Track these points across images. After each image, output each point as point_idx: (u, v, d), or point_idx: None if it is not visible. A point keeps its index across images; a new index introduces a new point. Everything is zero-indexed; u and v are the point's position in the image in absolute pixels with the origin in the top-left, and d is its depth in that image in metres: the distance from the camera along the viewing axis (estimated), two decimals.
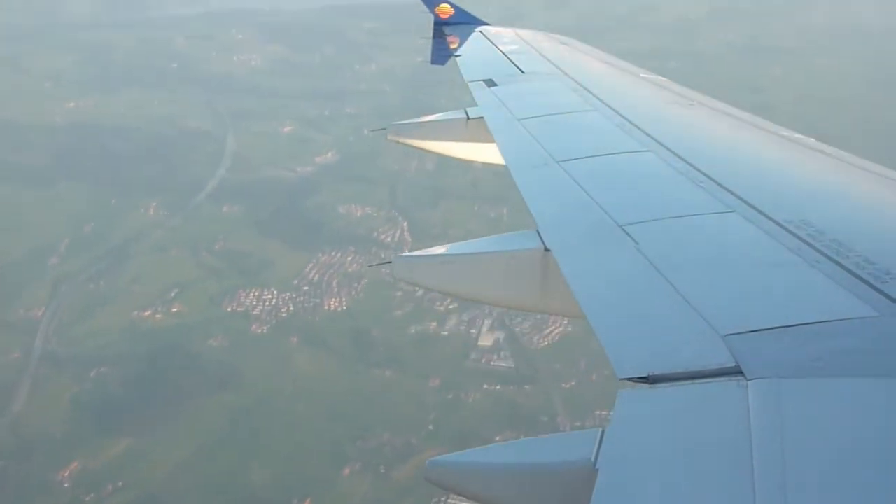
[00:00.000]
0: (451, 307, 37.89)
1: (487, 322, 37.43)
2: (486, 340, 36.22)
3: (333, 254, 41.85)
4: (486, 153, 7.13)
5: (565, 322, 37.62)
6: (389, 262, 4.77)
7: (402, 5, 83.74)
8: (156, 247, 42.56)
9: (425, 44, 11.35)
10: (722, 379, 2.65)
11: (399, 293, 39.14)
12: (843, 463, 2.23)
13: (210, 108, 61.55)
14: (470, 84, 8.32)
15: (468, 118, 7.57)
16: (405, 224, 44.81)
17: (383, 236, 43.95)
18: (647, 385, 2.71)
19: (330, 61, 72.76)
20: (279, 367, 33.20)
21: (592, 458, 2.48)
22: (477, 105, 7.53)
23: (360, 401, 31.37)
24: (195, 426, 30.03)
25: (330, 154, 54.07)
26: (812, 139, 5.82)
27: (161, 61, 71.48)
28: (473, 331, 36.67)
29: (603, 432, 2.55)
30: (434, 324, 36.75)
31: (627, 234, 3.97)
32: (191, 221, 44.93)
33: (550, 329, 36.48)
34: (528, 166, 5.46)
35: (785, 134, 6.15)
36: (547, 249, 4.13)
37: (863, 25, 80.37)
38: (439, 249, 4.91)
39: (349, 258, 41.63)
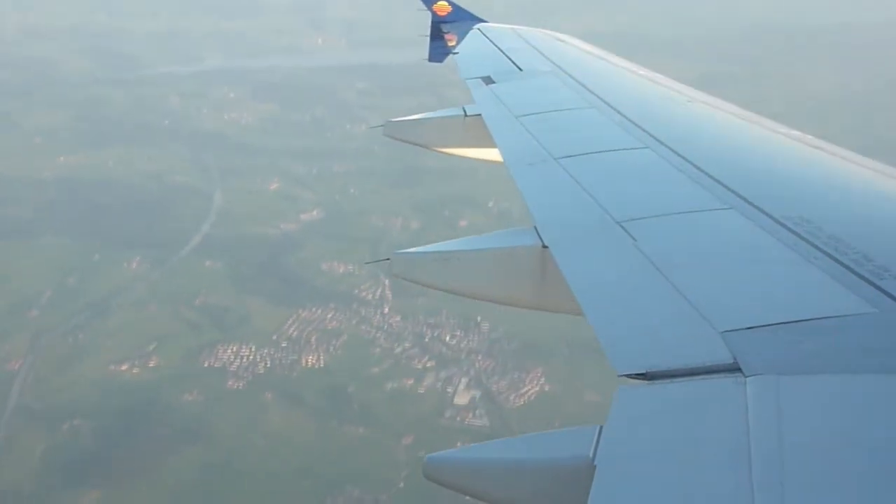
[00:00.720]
0: (428, 365, 38.58)
1: (464, 380, 38.01)
2: (462, 398, 36.69)
3: (314, 310, 42.64)
4: (483, 150, 7.23)
5: (542, 381, 38.41)
6: (387, 260, 4.80)
7: (394, 66, 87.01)
8: (136, 301, 43.32)
9: (424, 41, 11.65)
10: (720, 375, 2.70)
11: (377, 350, 39.82)
12: (840, 459, 2.26)
13: (199, 164, 63.05)
14: (467, 81, 8.45)
15: (466, 115, 7.68)
16: (387, 282, 45.68)
17: (364, 293, 44.79)
18: (645, 382, 2.77)
19: (320, 120, 74.70)
20: (252, 423, 33.62)
21: (591, 455, 2.52)
22: (474, 102, 7.69)
23: (332, 457, 31.74)
24: (166, 480, 30.34)
25: (315, 211, 55.26)
26: (810, 136, 5.90)
27: (153, 118, 73.39)
28: (450, 389, 37.23)
29: (601, 429, 2.60)
30: (411, 381, 37.34)
31: (625, 230, 4.04)
32: (173, 276, 45.78)
33: (527, 388, 37.09)
34: (525, 163, 5.53)
35: (783, 130, 6.20)
36: (545, 246, 4.19)
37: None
38: (437, 246, 4.93)
39: (329, 315, 42.41)
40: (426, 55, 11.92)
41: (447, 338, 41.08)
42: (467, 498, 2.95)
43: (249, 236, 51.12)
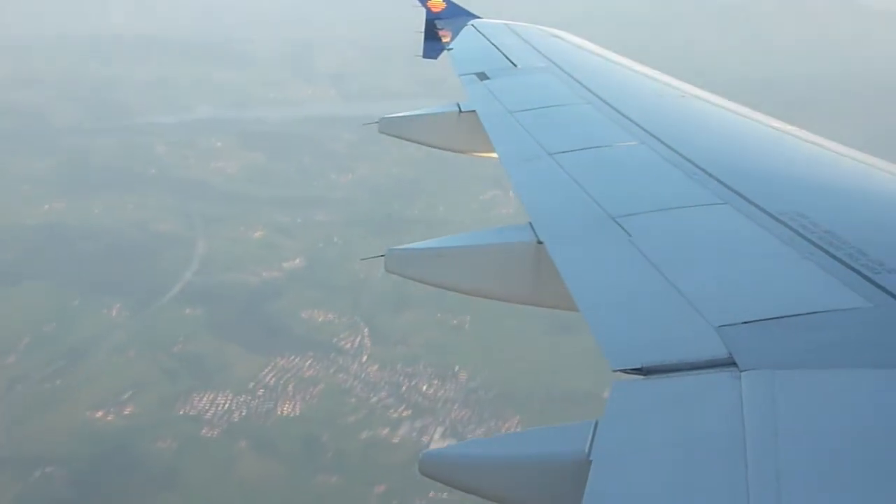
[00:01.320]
0: (404, 414, 39.04)
1: (440, 429, 38.47)
2: (437, 447, 37.07)
3: (292, 358, 43.13)
4: (477, 146, 7.33)
5: (519, 429, 38.81)
6: (382, 256, 4.85)
7: (378, 115, 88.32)
8: (115, 348, 43.78)
9: (418, 38, 11.73)
10: (715, 370, 2.71)
11: (353, 399, 40.27)
12: (836, 454, 2.26)
13: (183, 212, 63.99)
14: (462, 77, 8.56)
15: (460, 111, 7.74)
16: (366, 330, 46.34)
17: (343, 342, 45.38)
18: (640, 376, 2.79)
19: (307, 170, 76.00)
20: (225, 472, 33.96)
21: (586, 450, 2.53)
22: (468, 98, 7.81)
23: None
24: None
25: (297, 260, 56.06)
26: (805, 131, 5.95)
27: (139, 166, 74.61)
28: (425, 437, 37.68)
29: (597, 423, 2.61)
30: (386, 430, 37.71)
31: (620, 226, 4.08)
32: (152, 323, 46.32)
33: None
34: (520, 159, 5.59)
35: (777, 125, 6.24)
36: (540, 242, 4.23)
37: None
38: (432, 242, 4.99)
39: (307, 363, 42.90)
40: (421, 52, 11.96)
41: (424, 387, 41.55)
42: (462, 495, 3.00)
43: (231, 284, 51.82)
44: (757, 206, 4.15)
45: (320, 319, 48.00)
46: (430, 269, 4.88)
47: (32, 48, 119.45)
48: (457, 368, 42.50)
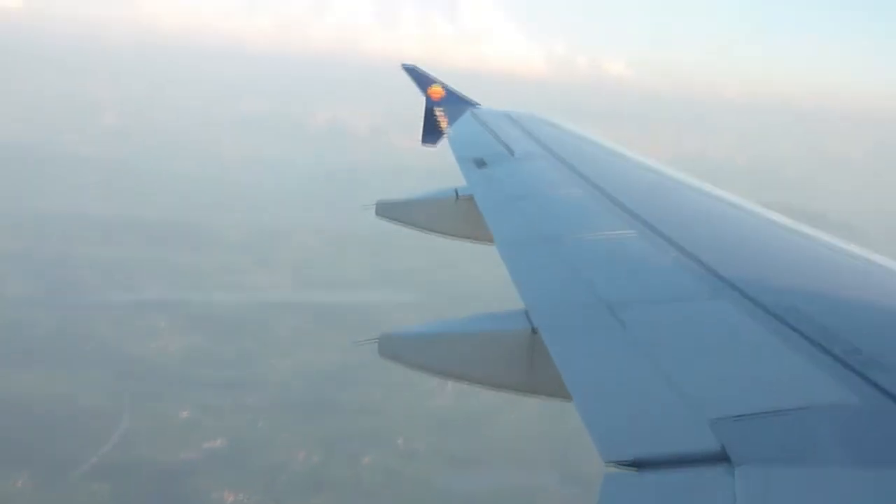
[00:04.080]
0: None
1: None
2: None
3: None
4: (473, 231, 7.60)
5: None
6: (376, 340, 5.01)
7: (330, 305, 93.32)
8: None
9: (418, 123, 12.36)
10: (708, 464, 2.82)
11: None
12: None
13: (113, 389, 66.65)
14: (460, 163, 8.86)
15: (458, 196, 8.12)
16: None
17: None
18: (632, 469, 2.88)
19: (247, 353, 79.43)
20: None
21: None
22: (466, 184, 8.13)
23: None
24: None
25: (219, 441, 58.35)
26: (800, 223, 6.21)
27: (79, 342, 77.84)
28: None
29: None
30: None
31: (615, 316, 4.21)
32: (55, 497, 48.06)
33: None
34: (516, 245, 5.83)
35: (773, 217, 6.48)
36: (534, 330, 4.35)
37: None
38: (426, 327, 5.23)
39: None
40: (419, 138, 12.50)
41: None
42: None
43: (146, 462, 53.77)
44: (751, 298, 4.29)
45: (230, 500, 49.82)
46: (423, 354, 5.02)
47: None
48: None
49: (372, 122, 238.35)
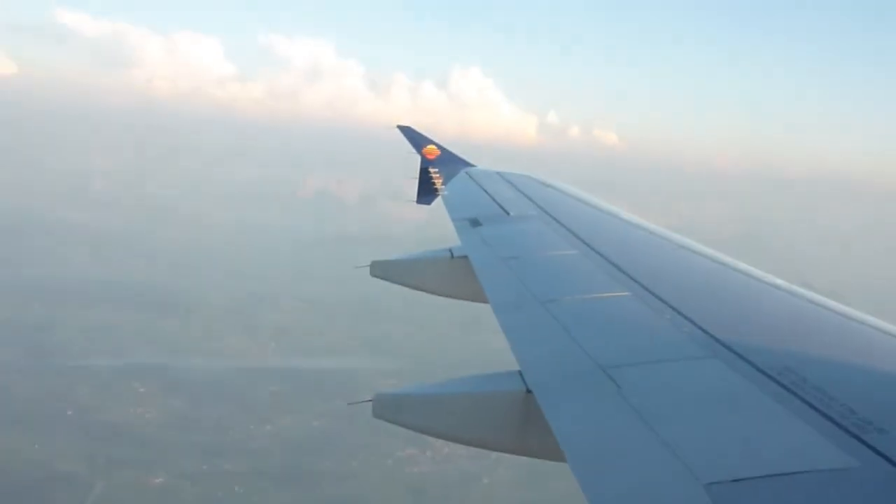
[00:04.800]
0: None
1: None
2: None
3: None
4: (467, 292, 7.60)
5: None
6: (370, 401, 4.99)
7: (311, 371, 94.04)
8: None
9: (408, 192, 12.45)
10: None
11: None
12: None
13: (89, 454, 67.09)
14: (455, 223, 8.94)
15: (452, 256, 8.12)
16: None
17: None
18: None
19: (226, 419, 79.90)
20: None
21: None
22: (461, 244, 8.17)
23: None
24: None
25: None
26: (795, 285, 6.24)
27: (58, 407, 78.33)
28: None
29: None
30: None
31: (610, 377, 4.25)
32: None
33: None
34: (511, 306, 5.82)
35: (768, 279, 6.50)
36: (529, 391, 4.39)
37: None
38: (421, 388, 5.23)
39: None
40: (415, 198, 12.51)
41: None
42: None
43: None
44: (746, 360, 4.31)
45: None
46: (418, 415, 5.03)
47: None
48: None
49: (362, 190, 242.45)
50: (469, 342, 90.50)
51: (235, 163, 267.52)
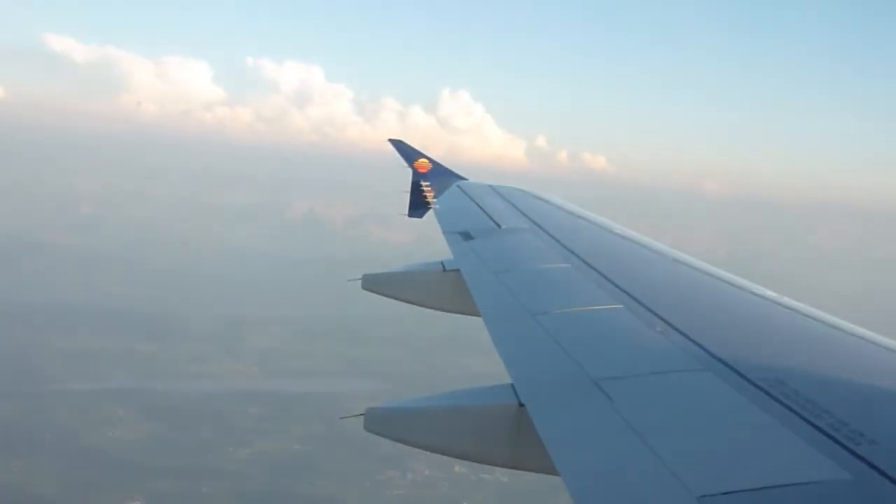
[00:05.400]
0: None
1: None
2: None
3: None
4: (459, 305, 7.60)
5: None
6: (362, 415, 5.01)
7: (294, 395, 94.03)
8: None
9: (404, 198, 12.45)
10: None
11: None
12: None
13: (65, 479, 67.01)
14: (446, 236, 8.97)
15: (444, 269, 8.14)
16: None
17: None
18: None
19: (205, 442, 79.86)
20: None
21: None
22: (453, 257, 8.20)
23: None
24: None
25: None
26: (786, 297, 6.26)
27: (36, 431, 78.11)
28: None
29: None
30: None
31: (602, 390, 4.27)
32: None
33: None
34: (503, 319, 5.84)
35: (759, 292, 6.52)
36: (521, 404, 4.41)
37: None
38: (413, 402, 5.23)
39: None
40: (406, 211, 12.55)
41: None
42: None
43: None
44: (738, 373, 4.33)
45: None
46: (409, 429, 5.04)
47: None
48: None
49: (349, 214, 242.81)
50: (457, 364, 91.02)
51: (223, 186, 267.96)
